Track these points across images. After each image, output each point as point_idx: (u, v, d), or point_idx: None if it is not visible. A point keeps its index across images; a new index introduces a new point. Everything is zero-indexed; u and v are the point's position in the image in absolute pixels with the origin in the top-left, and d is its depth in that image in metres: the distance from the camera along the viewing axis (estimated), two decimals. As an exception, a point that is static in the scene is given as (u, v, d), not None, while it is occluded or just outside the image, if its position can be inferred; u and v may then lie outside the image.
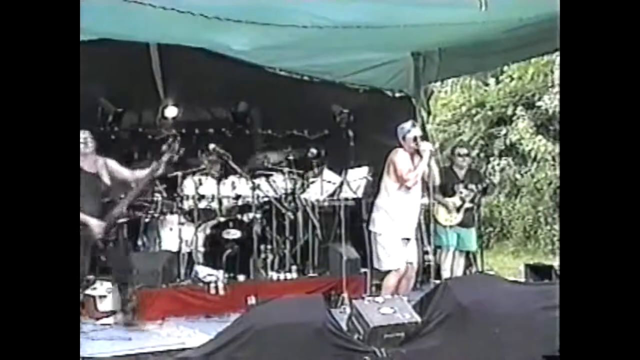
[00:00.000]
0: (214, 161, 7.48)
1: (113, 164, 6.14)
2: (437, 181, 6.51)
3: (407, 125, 6.33)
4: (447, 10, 6.12)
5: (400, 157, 6.21)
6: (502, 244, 13.72)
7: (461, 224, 7.69)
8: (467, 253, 7.96)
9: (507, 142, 13.54)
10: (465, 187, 7.69)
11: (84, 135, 5.88)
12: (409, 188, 6.16)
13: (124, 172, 6.19)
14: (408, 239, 6.26)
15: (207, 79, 8.16)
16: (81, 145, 5.78)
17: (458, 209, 7.64)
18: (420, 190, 6.31)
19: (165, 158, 6.06)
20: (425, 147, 6.22)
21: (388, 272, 6.22)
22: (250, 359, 4.61)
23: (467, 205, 7.66)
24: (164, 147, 6.13)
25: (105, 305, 6.32)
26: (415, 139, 6.21)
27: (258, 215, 7.22)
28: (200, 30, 6.43)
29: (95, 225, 5.79)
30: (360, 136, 7.31)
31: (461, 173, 7.81)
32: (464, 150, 8.15)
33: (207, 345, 4.75)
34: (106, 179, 6.04)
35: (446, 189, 7.63)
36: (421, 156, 6.17)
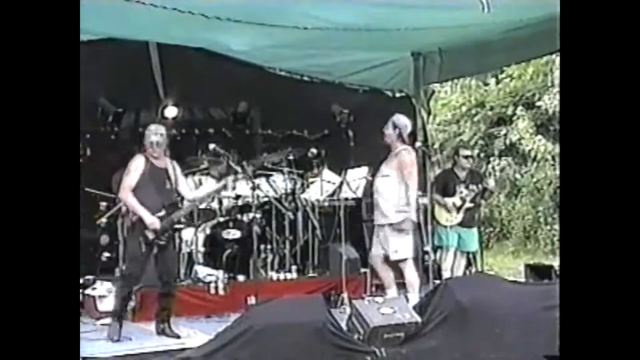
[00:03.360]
0: (214, 161, 7.47)
1: (178, 169, 5.96)
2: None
3: (405, 120, 6.39)
4: (448, 13, 6.11)
5: (414, 158, 6.31)
6: (502, 244, 13.74)
7: (462, 224, 7.63)
8: (468, 253, 7.94)
9: (507, 142, 13.55)
10: (466, 188, 7.64)
11: (160, 130, 5.80)
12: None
13: (184, 186, 5.95)
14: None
15: (207, 79, 8.15)
16: (158, 139, 5.71)
17: (458, 209, 7.61)
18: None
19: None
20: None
21: (404, 262, 6.22)
22: (250, 359, 4.62)
23: (468, 205, 7.62)
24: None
25: (105, 305, 6.31)
26: (411, 134, 6.34)
27: (258, 215, 7.21)
28: (200, 30, 6.42)
29: (151, 222, 5.56)
30: (360, 136, 7.30)
31: (462, 174, 7.77)
32: (467, 152, 8.05)
33: (207, 345, 4.76)
34: (172, 179, 5.81)
35: (447, 189, 7.61)
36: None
